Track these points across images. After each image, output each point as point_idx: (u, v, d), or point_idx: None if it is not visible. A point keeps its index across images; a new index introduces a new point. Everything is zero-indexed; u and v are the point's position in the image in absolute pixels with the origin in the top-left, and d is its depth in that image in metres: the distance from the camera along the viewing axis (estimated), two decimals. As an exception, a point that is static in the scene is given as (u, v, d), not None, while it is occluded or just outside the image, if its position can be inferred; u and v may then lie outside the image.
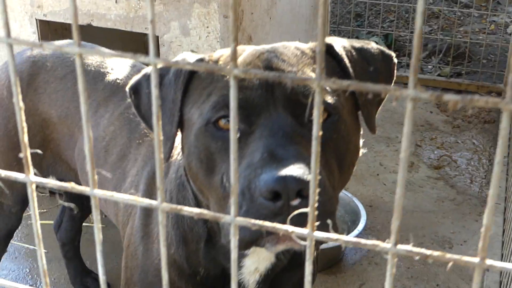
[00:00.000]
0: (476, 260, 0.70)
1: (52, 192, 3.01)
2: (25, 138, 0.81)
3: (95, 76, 1.87)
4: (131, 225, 1.59)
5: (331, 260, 2.58)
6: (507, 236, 2.57)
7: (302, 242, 0.82)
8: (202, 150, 1.20)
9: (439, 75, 4.38)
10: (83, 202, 2.34)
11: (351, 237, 0.75)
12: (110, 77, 1.86)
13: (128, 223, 1.62)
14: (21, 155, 0.82)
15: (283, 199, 1.01)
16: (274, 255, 1.41)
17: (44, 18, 2.65)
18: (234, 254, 0.79)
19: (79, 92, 0.77)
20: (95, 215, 0.83)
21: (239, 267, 1.44)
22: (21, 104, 0.83)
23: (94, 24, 2.57)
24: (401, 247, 0.75)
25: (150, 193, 1.55)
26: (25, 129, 0.82)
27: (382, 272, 2.56)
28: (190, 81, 1.27)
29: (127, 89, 1.36)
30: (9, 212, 2.06)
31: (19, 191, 2.01)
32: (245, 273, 1.45)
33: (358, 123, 1.33)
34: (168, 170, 1.52)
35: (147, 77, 1.33)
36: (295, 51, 1.30)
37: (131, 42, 3.70)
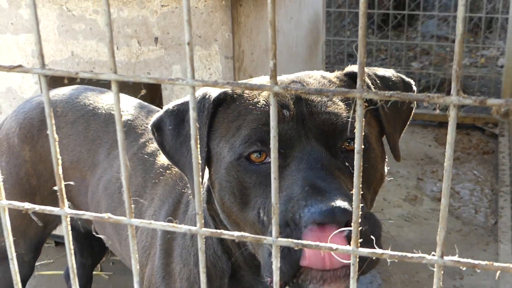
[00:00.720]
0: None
1: (58, 242, 2.98)
2: (59, 171, 0.81)
3: (106, 119, 1.86)
4: (150, 266, 1.56)
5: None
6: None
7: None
8: (235, 185, 1.17)
9: (434, 109, 4.41)
10: (93, 248, 2.32)
11: (396, 252, 0.74)
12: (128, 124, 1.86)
13: (148, 264, 1.59)
14: (56, 188, 0.82)
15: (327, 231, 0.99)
16: None
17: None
18: (276, 277, 0.78)
19: (116, 119, 0.77)
20: (132, 244, 0.82)
21: None
22: (56, 136, 0.83)
23: (96, 71, 2.57)
24: (447, 258, 0.75)
25: (169, 231, 1.53)
26: (60, 161, 0.81)
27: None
28: (214, 116, 1.26)
29: (149, 126, 1.34)
30: (21, 261, 1.98)
31: (32, 239, 1.99)
32: None
33: (383, 150, 1.31)
34: (187, 207, 1.51)
35: (169, 113, 1.31)
36: (321, 80, 1.31)
37: (133, 86, 3.74)
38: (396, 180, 3.54)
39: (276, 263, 0.76)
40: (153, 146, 1.76)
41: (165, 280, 1.50)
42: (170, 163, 1.39)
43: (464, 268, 0.72)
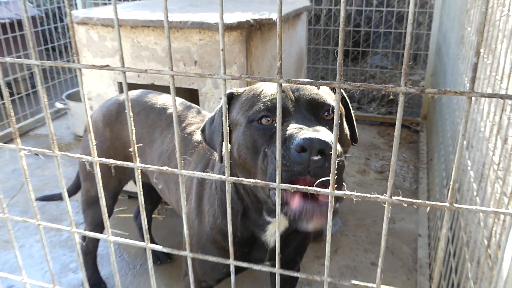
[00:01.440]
0: (446, 204, 0.67)
1: (129, 196, 2.96)
2: (133, 137, 0.79)
3: (160, 110, 1.85)
4: (188, 207, 1.55)
5: (316, 234, 2.54)
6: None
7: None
8: (248, 140, 1.16)
9: (378, 113, 4.38)
10: (152, 197, 2.31)
11: (359, 194, 0.72)
12: (168, 111, 1.84)
13: (188, 203, 1.60)
14: (131, 149, 0.80)
15: (307, 152, 0.99)
16: (288, 223, 1.36)
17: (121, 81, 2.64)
18: (278, 209, 0.76)
19: (172, 103, 0.75)
20: (181, 189, 0.80)
21: (264, 231, 1.40)
22: (131, 114, 0.81)
23: (155, 83, 2.55)
24: (395, 198, 0.73)
25: (201, 183, 1.50)
26: (134, 131, 0.79)
27: (350, 240, 2.51)
28: (230, 104, 1.28)
29: (199, 131, 1.43)
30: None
31: (111, 190, 1.98)
32: (268, 235, 1.41)
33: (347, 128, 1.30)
34: (213, 167, 1.50)
35: (209, 119, 1.35)
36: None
37: (179, 93, 3.71)
38: (352, 159, 3.52)
39: (278, 201, 0.74)
40: (190, 129, 1.74)
41: (198, 216, 1.49)
42: (204, 142, 1.39)
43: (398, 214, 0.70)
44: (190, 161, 1.64)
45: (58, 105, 3.88)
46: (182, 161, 1.73)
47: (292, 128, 1.07)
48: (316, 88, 1.19)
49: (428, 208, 2.69)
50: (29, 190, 0.90)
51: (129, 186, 2.92)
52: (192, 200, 1.54)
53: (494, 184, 1.24)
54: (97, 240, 2.18)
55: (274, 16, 2.52)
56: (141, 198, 0.82)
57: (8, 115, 0.81)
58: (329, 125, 1.13)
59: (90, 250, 2.17)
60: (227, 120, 1.26)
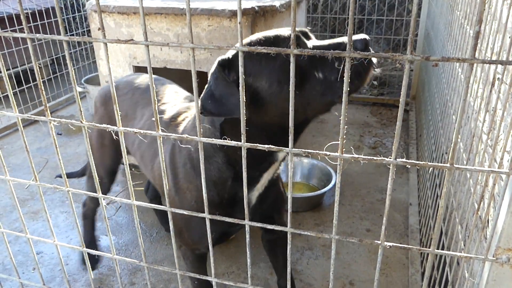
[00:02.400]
0: (447, 165, 0.67)
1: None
2: (116, 106, 0.78)
3: (143, 91, 1.83)
4: (169, 186, 1.47)
5: (316, 204, 2.54)
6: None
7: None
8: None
9: (371, 94, 4.35)
10: None
11: (366, 156, 0.71)
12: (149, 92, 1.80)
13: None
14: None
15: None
16: (268, 182, 1.35)
17: (137, 65, 2.61)
18: (290, 172, 0.76)
19: (192, 75, 0.74)
20: (160, 151, 0.79)
21: (256, 182, 1.32)
22: (115, 92, 0.79)
23: (168, 66, 2.53)
24: (399, 160, 0.72)
25: (173, 163, 1.43)
26: (118, 111, 0.78)
27: (346, 209, 2.52)
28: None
29: (200, 101, 1.12)
30: (101, 181, 1.85)
31: (107, 166, 1.96)
32: (255, 189, 1.34)
33: None
34: (179, 148, 1.41)
35: (207, 93, 1.12)
36: None
37: (187, 76, 3.67)
38: (348, 137, 3.51)
39: (291, 165, 0.73)
40: (162, 108, 1.69)
41: (177, 193, 1.42)
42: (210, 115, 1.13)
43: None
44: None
45: (78, 88, 3.86)
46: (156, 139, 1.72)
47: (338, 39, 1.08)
48: None
49: (418, 179, 2.69)
50: (58, 158, 0.90)
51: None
52: (169, 180, 1.45)
53: (483, 154, 1.23)
54: (95, 208, 2.17)
55: (277, 3, 2.48)
56: (126, 160, 0.81)
57: (40, 89, 0.80)
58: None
59: (88, 215, 2.18)
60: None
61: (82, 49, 4.93)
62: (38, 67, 0.78)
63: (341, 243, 2.21)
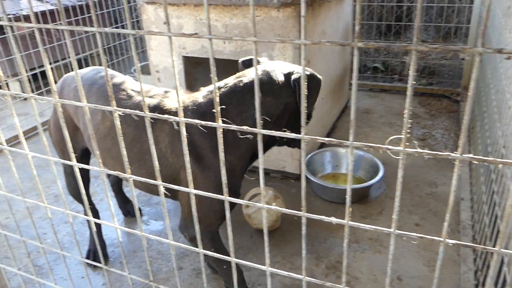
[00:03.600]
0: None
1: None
2: (82, 90, 0.79)
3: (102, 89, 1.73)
4: (184, 171, 1.52)
5: (362, 196, 2.50)
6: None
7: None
8: None
9: (419, 84, 4.22)
10: None
11: (430, 151, 0.70)
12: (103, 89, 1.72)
13: (180, 172, 1.56)
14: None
15: None
16: None
17: (186, 55, 2.65)
18: (350, 166, 0.75)
19: (211, 70, 0.74)
20: (118, 130, 0.80)
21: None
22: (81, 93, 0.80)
23: (216, 57, 2.55)
24: (465, 155, 0.70)
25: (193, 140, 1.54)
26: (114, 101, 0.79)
27: (394, 202, 2.47)
28: None
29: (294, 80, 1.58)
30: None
31: (77, 150, 1.93)
32: None
33: None
34: None
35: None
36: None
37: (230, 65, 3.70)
38: (395, 128, 3.43)
39: (303, 145, 0.73)
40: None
41: (202, 175, 1.52)
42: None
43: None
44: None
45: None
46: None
47: None
48: None
49: (470, 173, 2.59)
50: (121, 146, 0.93)
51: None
52: (192, 165, 1.48)
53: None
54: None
55: (326, -8, 2.44)
56: (66, 133, 0.82)
57: (106, 80, 0.83)
58: None
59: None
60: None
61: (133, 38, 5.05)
62: (91, 58, 0.81)
63: (389, 237, 2.17)
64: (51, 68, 4.20)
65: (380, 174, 2.47)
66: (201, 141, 1.49)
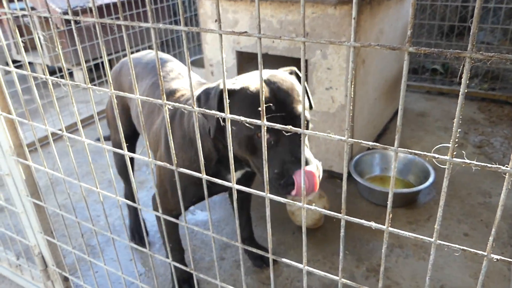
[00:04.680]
0: None
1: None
2: (136, 82, 0.80)
3: (145, 64, 1.95)
4: (159, 152, 1.63)
5: (409, 201, 2.43)
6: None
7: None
8: (245, 144, 1.29)
9: (480, 89, 4.01)
10: None
11: (479, 163, 0.67)
12: (150, 65, 1.92)
13: (158, 150, 1.64)
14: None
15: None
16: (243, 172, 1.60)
17: (240, 50, 2.68)
18: (393, 172, 0.74)
19: (259, 67, 0.74)
20: (166, 117, 0.80)
21: (229, 173, 1.50)
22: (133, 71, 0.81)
23: (269, 53, 2.56)
24: (517, 169, 0.66)
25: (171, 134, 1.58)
26: (135, 80, 0.80)
27: (443, 210, 2.38)
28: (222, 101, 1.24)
29: (195, 97, 1.33)
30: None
31: (125, 132, 2.05)
32: (231, 175, 1.47)
33: None
34: (182, 115, 1.56)
35: (206, 93, 1.32)
36: (286, 75, 1.34)
37: (291, 63, 3.69)
38: (450, 133, 3.29)
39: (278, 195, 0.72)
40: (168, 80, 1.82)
41: (169, 159, 1.56)
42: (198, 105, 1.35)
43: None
44: (160, 112, 1.70)
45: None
46: (153, 112, 1.76)
47: (288, 155, 1.21)
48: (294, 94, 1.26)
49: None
50: (170, 139, 0.97)
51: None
52: (162, 146, 1.58)
53: None
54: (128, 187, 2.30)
55: (385, -10, 2.37)
56: (119, 123, 0.83)
57: (158, 73, 0.87)
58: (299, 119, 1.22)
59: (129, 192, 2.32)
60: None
61: (188, 32, 5.18)
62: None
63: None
64: (112, 59, 4.36)
65: (431, 179, 2.39)
66: (177, 130, 1.57)
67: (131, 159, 2.19)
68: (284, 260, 0.93)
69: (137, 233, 2.27)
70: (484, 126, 3.39)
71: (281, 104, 1.22)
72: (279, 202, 2.36)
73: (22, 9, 4.04)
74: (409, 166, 2.60)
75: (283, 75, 1.31)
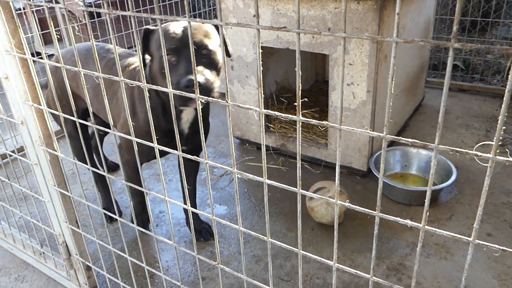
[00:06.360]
0: None
1: (258, 147, 3.05)
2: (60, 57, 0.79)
3: (84, 54, 2.12)
4: (123, 114, 1.85)
5: (432, 199, 2.40)
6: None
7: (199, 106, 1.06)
8: (159, 68, 1.61)
9: (502, 86, 3.94)
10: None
11: (503, 157, 0.66)
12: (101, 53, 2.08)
13: (120, 116, 1.88)
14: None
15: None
16: (193, 111, 1.79)
17: (261, 45, 2.67)
18: (432, 170, 0.73)
19: (297, 63, 0.74)
20: (124, 97, 0.79)
21: (180, 119, 1.78)
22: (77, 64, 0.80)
23: (290, 48, 2.55)
24: None
25: (131, 96, 1.85)
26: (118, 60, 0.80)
27: (465, 208, 2.35)
28: (147, 38, 1.64)
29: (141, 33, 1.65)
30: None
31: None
32: (183, 123, 1.80)
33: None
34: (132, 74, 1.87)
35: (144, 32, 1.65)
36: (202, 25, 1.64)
37: (310, 57, 3.67)
38: (471, 130, 3.24)
39: (262, 123, 0.71)
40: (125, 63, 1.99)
41: (133, 117, 1.81)
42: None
43: None
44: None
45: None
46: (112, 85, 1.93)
47: (183, 68, 1.49)
48: (201, 33, 1.58)
49: (555, 186, 2.39)
50: (201, 133, 0.97)
51: (258, 138, 3.01)
52: (126, 106, 1.76)
53: None
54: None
55: (410, -15, 2.34)
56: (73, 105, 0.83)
57: (192, 67, 0.87)
58: (205, 58, 1.55)
59: (98, 178, 2.42)
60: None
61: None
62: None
63: (457, 244, 2.08)
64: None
65: (453, 177, 2.36)
66: (135, 94, 1.84)
67: (90, 144, 2.49)
68: (312, 256, 0.93)
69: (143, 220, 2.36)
70: (507, 123, 3.33)
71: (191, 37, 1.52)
72: (301, 197, 2.36)
73: (48, 1, 4.09)
74: (430, 163, 2.57)
75: (201, 24, 1.64)
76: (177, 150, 1.02)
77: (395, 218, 0.77)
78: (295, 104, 3.32)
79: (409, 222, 0.76)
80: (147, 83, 1.51)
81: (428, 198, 0.72)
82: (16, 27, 1.26)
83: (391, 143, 2.86)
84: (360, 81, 2.39)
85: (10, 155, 1.77)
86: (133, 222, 2.25)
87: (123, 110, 1.85)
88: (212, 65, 1.56)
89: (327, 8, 2.32)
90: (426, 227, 0.75)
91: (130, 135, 1.79)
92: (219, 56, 1.59)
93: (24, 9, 3.79)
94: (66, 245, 1.69)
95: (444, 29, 4.90)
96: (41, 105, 1.33)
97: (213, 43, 1.58)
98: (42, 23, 4.30)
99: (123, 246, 2.09)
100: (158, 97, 1.74)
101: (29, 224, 2.26)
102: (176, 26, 1.57)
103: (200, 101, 1.37)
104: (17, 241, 2.09)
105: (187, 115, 1.78)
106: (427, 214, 0.74)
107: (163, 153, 1.94)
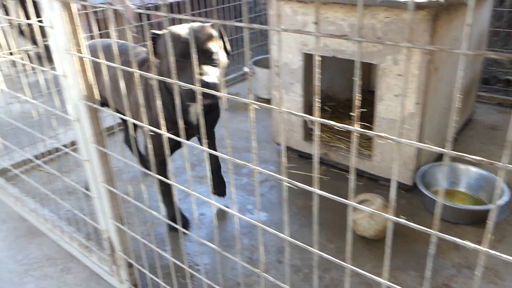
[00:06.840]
0: None
1: (300, 155, 3.02)
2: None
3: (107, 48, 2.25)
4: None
5: (480, 219, 2.29)
6: None
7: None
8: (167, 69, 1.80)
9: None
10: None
11: None
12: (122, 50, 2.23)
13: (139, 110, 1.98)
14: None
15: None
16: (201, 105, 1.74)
17: (307, 52, 2.66)
18: (446, 163, 0.69)
19: (355, 73, 0.71)
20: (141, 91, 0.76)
21: (188, 112, 1.93)
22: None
23: (337, 56, 2.52)
24: None
25: (146, 92, 1.97)
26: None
27: (516, 231, 2.23)
28: (156, 42, 1.79)
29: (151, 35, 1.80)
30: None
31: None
32: (191, 116, 1.95)
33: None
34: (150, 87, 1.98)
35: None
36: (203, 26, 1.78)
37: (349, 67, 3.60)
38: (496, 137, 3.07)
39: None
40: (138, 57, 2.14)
41: (148, 110, 1.97)
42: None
43: None
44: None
45: (245, 69, 4.12)
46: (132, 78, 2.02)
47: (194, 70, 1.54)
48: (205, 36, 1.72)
49: None
50: (252, 138, 0.96)
51: (300, 146, 2.99)
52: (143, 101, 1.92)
53: None
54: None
55: (466, -5, 2.26)
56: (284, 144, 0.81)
57: (246, 64, 0.86)
58: (210, 59, 1.71)
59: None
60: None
61: (252, 32, 5.23)
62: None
63: (506, 268, 1.96)
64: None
65: (506, 198, 2.24)
66: (150, 89, 1.96)
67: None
68: (362, 272, 0.90)
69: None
70: None
71: (196, 40, 1.70)
72: (342, 207, 2.31)
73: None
74: (480, 182, 2.46)
75: (203, 26, 1.75)
76: (189, 139, 1.13)
77: (454, 238, 0.73)
78: (340, 111, 3.27)
79: (468, 243, 0.72)
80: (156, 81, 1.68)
81: (492, 220, 0.68)
82: (76, 27, 1.31)
83: (438, 157, 2.75)
84: (409, 93, 2.32)
85: (63, 150, 1.84)
86: (174, 222, 2.29)
87: (144, 105, 1.99)
88: (216, 65, 1.72)
89: (377, 17, 2.27)
90: (488, 250, 0.70)
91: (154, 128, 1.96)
92: (221, 56, 1.79)
93: (82, 10, 3.95)
94: (111, 241, 1.73)
95: (497, 42, 4.69)
96: (95, 104, 1.38)
97: (216, 45, 1.74)
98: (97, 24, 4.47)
99: (164, 246, 2.12)
100: (169, 94, 1.89)
101: (76, 217, 2.33)
102: (182, 30, 1.73)
103: (210, 98, 1.67)
104: (64, 233, 2.16)
105: (195, 109, 1.95)
106: (490, 236, 0.70)
107: (178, 145, 2.06)
